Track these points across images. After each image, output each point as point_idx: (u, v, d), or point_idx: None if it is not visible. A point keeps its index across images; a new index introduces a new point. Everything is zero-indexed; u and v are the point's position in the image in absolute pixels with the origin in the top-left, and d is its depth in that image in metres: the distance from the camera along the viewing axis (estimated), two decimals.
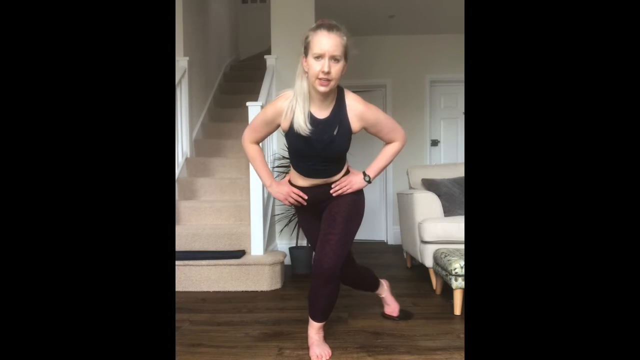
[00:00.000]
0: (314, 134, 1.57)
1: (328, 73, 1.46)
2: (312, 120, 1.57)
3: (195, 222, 3.34)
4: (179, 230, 3.06)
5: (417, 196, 2.94)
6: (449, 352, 1.71)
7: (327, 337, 1.83)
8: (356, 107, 1.60)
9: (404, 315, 2.14)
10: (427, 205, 2.91)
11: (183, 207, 3.34)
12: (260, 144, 1.80)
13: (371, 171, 1.72)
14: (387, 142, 1.72)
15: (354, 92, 1.67)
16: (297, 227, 3.43)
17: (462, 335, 1.89)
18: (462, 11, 4.09)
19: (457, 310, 2.19)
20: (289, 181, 1.80)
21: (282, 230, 3.66)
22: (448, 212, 3.03)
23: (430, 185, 3.28)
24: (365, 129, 1.65)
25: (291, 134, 1.60)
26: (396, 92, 4.88)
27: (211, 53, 4.64)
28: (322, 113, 1.58)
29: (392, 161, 1.75)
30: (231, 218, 3.34)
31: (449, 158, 4.97)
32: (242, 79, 5.12)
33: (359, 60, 4.84)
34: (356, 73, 4.87)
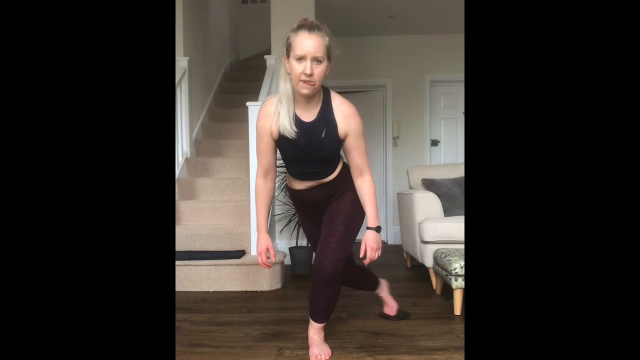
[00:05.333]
0: (301, 138, 1.55)
1: (310, 75, 1.43)
2: (298, 123, 1.55)
3: (195, 222, 3.34)
4: (179, 230, 3.06)
5: (417, 196, 2.94)
6: (449, 352, 1.71)
7: (327, 337, 1.83)
8: (343, 109, 1.57)
9: (402, 315, 2.13)
10: (427, 205, 2.91)
11: (183, 207, 3.34)
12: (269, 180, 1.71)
13: (374, 220, 1.65)
14: (355, 169, 1.65)
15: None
16: (297, 227, 3.43)
17: (462, 335, 1.89)
18: (462, 11, 4.09)
19: (457, 310, 2.19)
20: (287, 185, 1.79)
21: (282, 230, 3.67)
22: (448, 212, 3.03)
23: (430, 185, 3.28)
24: (344, 138, 1.59)
25: (281, 139, 1.59)
26: (396, 92, 4.88)
27: (211, 53, 4.64)
28: (308, 116, 1.56)
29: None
30: (231, 218, 3.34)
31: (449, 158, 4.97)
32: (242, 79, 5.12)
33: (359, 60, 4.85)
34: (356, 73, 4.87)
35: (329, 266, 1.57)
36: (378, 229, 1.64)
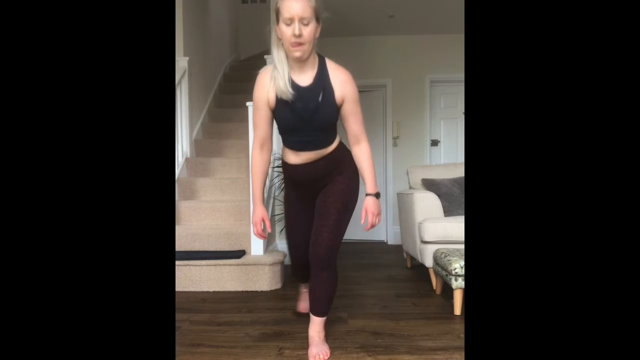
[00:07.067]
0: (298, 102, 1.57)
1: (300, 36, 1.47)
2: (295, 87, 1.57)
3: (195, 222, 3.34)
4: (179, 230, 3.06)
5: (417, 196, 2.94)
6: (449, 352, 1.71)
7: (327, 337, 1.83)
8: (339, 74, 1.60)
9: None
10: (427, 205, 2.91)
11: (183, 207, 3.34)
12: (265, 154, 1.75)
13: (372, 187, 1.69)
14: (352, 136, 1.69)
15: None
16: None
17: (462, 335, 1.89)
18: (462, 11, 4.09)
19: (457, 310, 2.19)
20: (282, 160, 1.78)
21: (282, 230, 3.66)
22: (448, 212, 3.03)
23: (430, 185, 3.28)
24: (340, 104, 1.62)
25: (278, 107, 1.61)
26: (396, 92, 4.88)
27: (211, 53, 4.64)
28: (304, 80, 1.58)
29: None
30: (231, 218, 3.33)
31: (449, 158, 4.97)
32: (242, 79, 5.11)
33: (359, 60, 4.84)
34: (356, 73, 4.82)
35: (322, 251, 1.62)
36: (377, 195, 1.68)
